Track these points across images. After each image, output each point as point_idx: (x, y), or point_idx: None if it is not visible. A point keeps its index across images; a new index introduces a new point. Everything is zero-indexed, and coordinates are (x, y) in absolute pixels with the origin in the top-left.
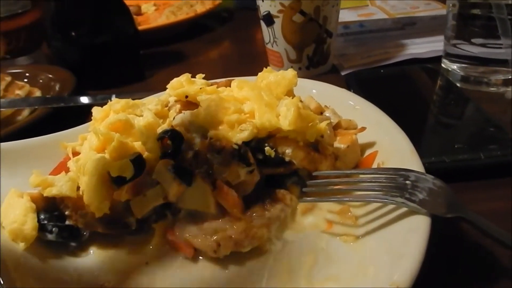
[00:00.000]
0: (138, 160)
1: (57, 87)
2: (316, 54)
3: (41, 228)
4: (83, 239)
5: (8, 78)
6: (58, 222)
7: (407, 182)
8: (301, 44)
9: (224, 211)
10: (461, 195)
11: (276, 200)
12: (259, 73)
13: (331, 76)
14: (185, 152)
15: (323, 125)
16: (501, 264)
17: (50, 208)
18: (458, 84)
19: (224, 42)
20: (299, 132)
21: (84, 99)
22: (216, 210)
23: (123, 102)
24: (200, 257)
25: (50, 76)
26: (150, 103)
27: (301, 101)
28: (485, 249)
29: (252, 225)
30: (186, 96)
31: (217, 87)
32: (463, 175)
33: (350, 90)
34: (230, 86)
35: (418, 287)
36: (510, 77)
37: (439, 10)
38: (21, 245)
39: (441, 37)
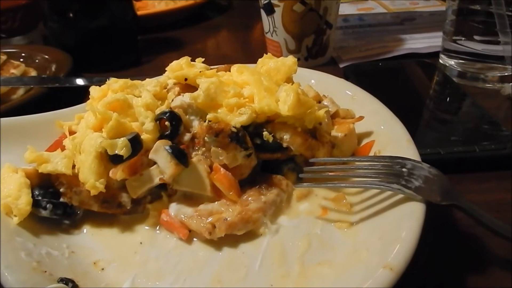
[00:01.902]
0: (135, 140)
1: (53, 68)
2: (315, 45)
3: (35, 204)
4: (76, 217)
5: (4, 57)
6: (53, 199)
7: (404, 169)
8: (301, 35)
9: (220, 194)
10: (455, 186)
11: (272, 185)
12: (259, 59)
13: (329, 68)
14: (182, 134)
15: (321, 112)
16: (493, 252)
17: (44, 185)
18: (454, 80)
19: (222, 31)
20: (297, 118)
21: (80, 81)
22: (212, 193)
23: (121, 82)
24: (195, 239)
25: (46, 57)
26: (149, 84)
27: (300, 87)
28: (478, 237)
29: (247, 208)
30: (186, 79)
31: (217, 72)
32: (458, 167)
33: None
34: (229, 71)
35: (412, 272)
36: (506, 74)
37: (438, 6)
38: (15, 220)
39: (440, 33)
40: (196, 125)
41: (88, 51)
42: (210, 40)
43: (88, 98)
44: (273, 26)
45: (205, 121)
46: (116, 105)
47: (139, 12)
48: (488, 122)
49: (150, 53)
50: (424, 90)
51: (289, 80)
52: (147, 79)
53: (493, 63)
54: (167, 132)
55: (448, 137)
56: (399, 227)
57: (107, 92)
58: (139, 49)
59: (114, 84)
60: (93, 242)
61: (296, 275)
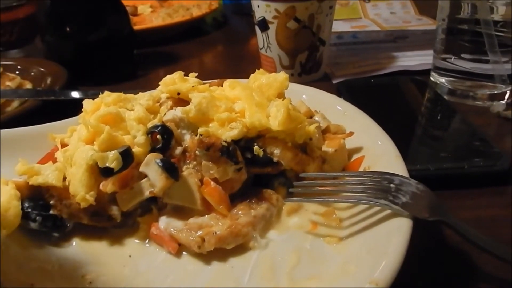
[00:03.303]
0: (126, 153)
1: (48, 81)
2: (308, 61)
3: (25, 216)
4: (66, 230)
5: None
6: (42, 211)
7: (391, 185)
8: (294, 51)
9: (210, 208)
10: (444, 202)
11: (263, 199)
12: (252, 75)
13: (322, 83)
14: (174, 147)
15: (312, 127)
16: (480, 269)
17: (35, 197)
18: (445, 97)
19: (218, 46)
20: (288, 133)
21: (75, 94)
22: (202, 206)
23: (114, 95)
24: (184, 252)
25: (42, 69)
26: (142, 98)
27: (291, 103)
28: (466, 254)
29: (237, 222)
30: (178, 93)
31: (210, 86)
32: (447, 183)
33: (340, 98)
34: (222, 86)
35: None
36: (496, 92)
37: (430, 25)
38: (3, 232)
39: (432, 51)
40: (188, 139)
41: (84, 64)
42: (205, 54)
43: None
44: (267, 42)
45: (196, 135)
46: (109, 118)
47: (136, 27)
48: (478, 139)
49: (146, 67)
50: (415, 107)
51: (281, 95)
52: (140, 93)
53: (483, 81)
54: (158, 146)
55: (438, 153)
56: (386, 242)
57: (100, 106)
58: (135, 62)
59: (107, 98)
60: (82, 255)
61: None
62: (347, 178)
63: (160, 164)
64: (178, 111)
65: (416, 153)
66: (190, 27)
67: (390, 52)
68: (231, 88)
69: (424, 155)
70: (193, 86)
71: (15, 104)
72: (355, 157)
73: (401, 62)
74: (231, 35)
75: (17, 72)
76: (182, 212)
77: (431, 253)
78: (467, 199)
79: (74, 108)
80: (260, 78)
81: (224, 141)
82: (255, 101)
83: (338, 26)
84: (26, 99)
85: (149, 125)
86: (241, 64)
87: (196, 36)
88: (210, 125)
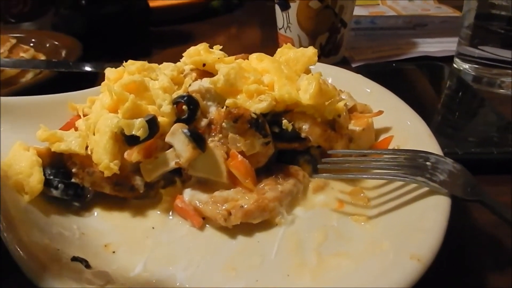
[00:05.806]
0: (152, 121)
1: (63, 54)
2: (328, 43)
3: (47, 183)
4: (87, 199)
5: (13, 41)
6: (64, 179)
7: (427, 163)
8: (315, 32)
9: (236, 182)
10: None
11: (289, 175)
12: (278, 49)
13: (341, 67)
14: (199, 119)
15: (341, 104)
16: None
17: (56, 164)
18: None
19: (233, 26)
20: (317, 109)
21: (88, 67)
22: (228, 180)
23: (138, 63)
24: (207, 225)
25: (56, 43)
26: (166, 68)
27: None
28: (501, 235)
29: (264, 197)
30: (204, 64)
31: (235, 59)
32: (474, 168)
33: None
34: (247, 60)
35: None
36: None
37: (450, 13)
38: (26, 197)
39: (452, 39)
40: (213, 110)
41: (99, 39)
42: (221, 35)
43: (99, 83)
44: (287, 22)
45: (222, 107)
46: (133, 87)
47: (152, 3)
48: (506, 125)
49: (161, 45)
50: (437, 92)
51: (308, 71)
52: (164, 63)
53: (509, 68)
54: (184, 117)
55: (465, 138)
56: (424, 218)
57: (123, 74)
58: (150, 40)
59: (131, 66)
60: (104, 225)
61: (313, 265)
62: (379, 156)
63: (187, 134)
64: (205, 82)
65: (442, 138)
66: (205, 7)
67: (409, 38)
68: (258, 60)
69: (451, 139)
70: (219, 58)
71: (29, 75)
72: (382, 137)
73: (422, 48)
74: (247, 16)
75: (31, 45)
76: (206, 185)
77: (464, 233)
78: (492, 184)
79: (88, 81)
80: (287, 52)
81: (253, 113)
82: (284, 74)
83: (356, 11)
84: (40, 71)
85: (174, 95)
86: (257, 45)
87: (212, 17)
88: (238, 96)
